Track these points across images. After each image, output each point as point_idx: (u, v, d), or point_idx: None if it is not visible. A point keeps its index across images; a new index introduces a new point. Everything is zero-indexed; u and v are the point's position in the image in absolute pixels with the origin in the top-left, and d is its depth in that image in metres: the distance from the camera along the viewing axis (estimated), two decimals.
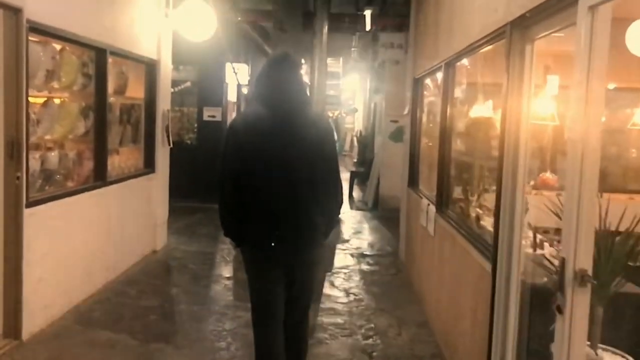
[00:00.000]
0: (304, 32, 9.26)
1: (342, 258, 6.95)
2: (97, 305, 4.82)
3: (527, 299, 2.93)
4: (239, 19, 9.49)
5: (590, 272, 1.99)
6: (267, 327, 2.99)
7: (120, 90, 5.83)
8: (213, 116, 10.06)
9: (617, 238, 2.60)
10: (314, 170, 2.90)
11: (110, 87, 5.42)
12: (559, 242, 3.25)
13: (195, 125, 10.26)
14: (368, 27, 9.86)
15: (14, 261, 3.90)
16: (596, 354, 2.66)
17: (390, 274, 6.40)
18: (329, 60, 12.52)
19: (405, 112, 7.04)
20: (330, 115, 25.94)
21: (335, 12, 9.45)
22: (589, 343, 2.48)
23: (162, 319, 4.70)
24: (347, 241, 7.95)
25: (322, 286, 5.56)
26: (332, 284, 5.82)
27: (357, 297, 5.46)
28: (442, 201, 4.67)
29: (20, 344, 3.94)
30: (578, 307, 2.00)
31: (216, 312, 4.88)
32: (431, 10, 5.60)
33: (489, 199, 3.68)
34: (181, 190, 8.24)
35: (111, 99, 5.50)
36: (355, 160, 15.11)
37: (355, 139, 18.21)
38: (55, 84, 4.57)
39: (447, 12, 4.74)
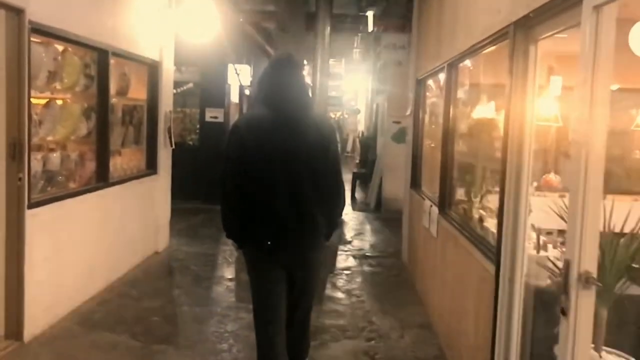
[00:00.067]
0: (306, 33, 9.27)
1: (344, 259, 6.94)
2: (98, 307, 4.82)
3: (531, 301, 2.91)
4: (241, 20, 9.49)
5: (594, 275, 1.97)
6: (269, 328, 2.98)
7: (123, 92, 5.82)
8: (215, 117, 10.06)
9: (622, 240, 2.58)
10: (316, 171, 2.90)
11: (113, 88, 5.42)
12: (562, 243, 3.24)
13: (198, 126, 10.27)
14: (370, 28, 9.87)
15: (16, 262, 3.90)
16: (600, 357, 2.64)
17: (393, 276, 6.39)
18: (331, 61, 12.53)
19: (408, 113, 7.02)
20: (333, 116, 25.95)
21: (337, 12, 9.43)
22: (593, 345, 2.46)
23: (164, 320, 4.69)
24: (350, 242, 7.94)
25: (324, 287, 5.55)
26: (334, 286, 5.80)
27: (359, 299, 5.45)
28: (445, 202, 4.65)
29: (22, 345, 3.93)
30: (582, 309, 1.99)
31: (218, 313, 4.87)
32: (434, 11, 5.59)
33: (492, 201, 3.67)
34: (183, 191, 8.25)
35: (113, 100, 5.50)
36: (357, 161, 15.09)
37: (357, 140, 18.21)
38: (58, 85, 4.57)
39: (450, 13, 4.73)
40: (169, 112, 6.81)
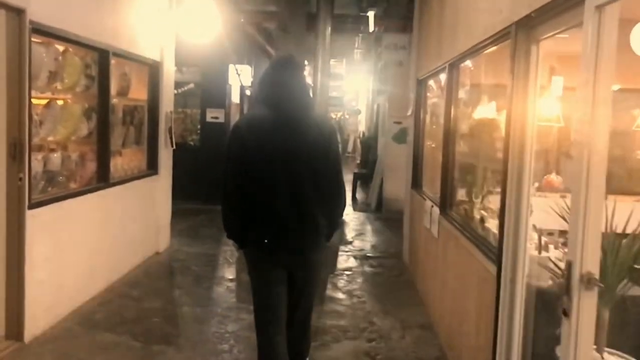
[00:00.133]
0: (307, 33, 9.27)
1: (345, 260, 6.93)
2: (99, 307, 4.81)
3: (532, 301, 2.91)
4: (242, 20, 9.49)
5: (597, 276, 1.96)
6: (269, 328, 2.98)
7: (123, 92, 5.82)
8: (216, 118, 10.06)
9: (624, 240, 2.58)
10: (316, 171, 2.90)
11: (113, 88, 5.42)
12: (564, 244, 3.23)
13: (199, 126, 10.27)
14: (371, 28, 9.86)
15: (16, 263, 3.90)
16: (602, 358, 2.63)
17: (394, 276, 6.38)
18: (332, 62, 12.52)
19: (409, 113, 7.01)
20: (333, 116, 25.94)
21: (338, 13, 9.44)
22: (595, 347, 2.45)
23: (164, 321, 4.68)
24: (350, 243, 7.93)
25: (325, 288, 5.55)
26: (335, 286, 5.79)
27: (360, 299, 5.44)
28: (446, 203, 4.64)
29: (23, 346, 3.93)
30: (585, 310, 1.98)
31: (219, 314, 4.86)
32: (435, 11, 5.58)
33: (494, 201, 3.66)
34: (184, 191, 8.25)
35: (114, 101, 5.50)
36: (358, 161, 15.09)
37: (358, 140, 18.21)
38: (58, 85, 4.57)
39: (451, 13, 4.72)
40: (170, 112, 6.80)
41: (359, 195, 12.34)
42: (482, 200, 4.09)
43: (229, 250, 6.88)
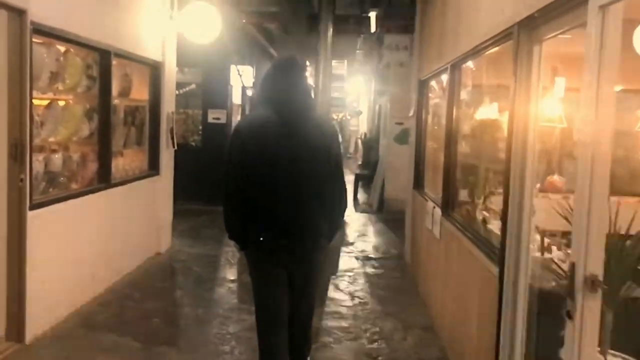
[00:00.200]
0: (308, 34, 9.26)
1: (346, 261, 6.92)
2: (100, 308, 4.80)
3: (535, 303, 2.89)
4: (244, 21, 9.49)
5: (601, 277, 1.95)
6: (271, 329, 2.98)
7: (125, 92, 5.82)
8: (218, 118, 10.06)
9: (628, 242, 2.56)
10: (318, 172, 2.89)
11: (115, 89, 5.42)
12: (566, 245, 3.22)
13: (200, 127, 10.26)
14: (373, 29, 9.86)
15: (18, 263, 3.89)
16: None
17: (396, 277, 6.36)
18: (334, 63, 12.48)
19: (411, 114, 7.00)
20: (335, 117, 25.94)
21: (340, 14, 9.42)
22: (598, 349, 2.43)
23: (165, 322, 4.67)
24: (352, 244, 7.91)
25: (326, 289, 5.53)
26: (337, 287, 5.78)
27: (362, 301, 5.43)
28: (448, 204, 4.63)
29: (24, 347, 3.92)
30: (588, 312, 1.97)
31: (220, 315, 4.85)
32: (437, 12, 5.57)
33: (496, 202, 3.65)
34: (185, 192, 8.25)
35: (115, 101, 5.49)
36: (359, 162, 15.08)
37: (359, 141, 18.20)
38: (60, 86, 4.56)
39: (453, 14, 4.71)
40: (172, 113, 6.80)
41: (360, 196, 12.33)
42: (484, 201, 4.08)
43: (231, 251, 6.87)
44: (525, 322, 2.81)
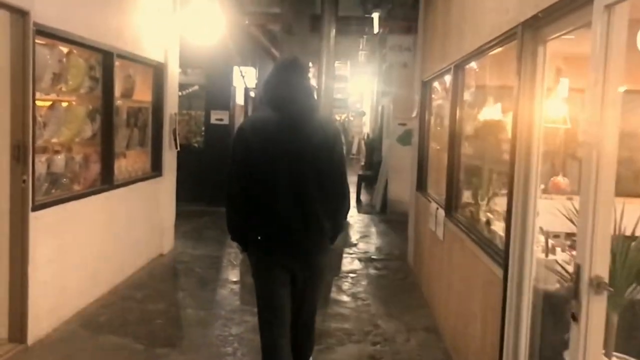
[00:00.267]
0: (311, 35, 9.24)
1: (349, 262, 6.90)
2: (103, 309, 4.80)
3: (539, 305, 2.87)
4: (247, 22, 9.49)
5: (606, 279, 1.93)
6: (273, 330, 2.97)
7: (128, 94, 5.82)
8: (220, 119, 10.06)
9: (633, 243, 2.54)
10: (321, 173, 2.89)
11: (118, 90, 5.41)
12: (570, 247, 3.20)
13: (203, 128, 10.27)
14: (376, 29, 9.84)
15: (20, 265, 3.88)
16: None
17: (399, 279, 6.35)
18: (337, 64, 12.50)
19: (414, 115, 6.99)
20: (338, 118, 25.93)
21: (342, 15, 9.42)
22: (603, 351, 2.42)
23: (168, 323, 4.67)
24: (355, 245, 7.90)
25: (329, 290, 5.52)
26: (340, 289, 5.77)
27: (364, 302, 5.41)
28: (452, 205, 4.61)
29: (26, 348, 3.92)
30: (594, 314, 1.95)
31: (223, 316, 4.84)
32: (440, 12, 5.55)
33: (500, 203, 3.63)
34: (188, 193, 8.24)
35: (118, 102, 5.49)
36: (362, 163, 15.07)
37: (362, 142, 18.19)
38: (62, 87, 4.56)
39: (457, 14, 4.69)
40: (174, 114, 6.80)
41: (363, 197, 12.31)
42: (488, 202, 4.06)
43: (233, 253, 6.86)
44: (529, 324, 2.79)
